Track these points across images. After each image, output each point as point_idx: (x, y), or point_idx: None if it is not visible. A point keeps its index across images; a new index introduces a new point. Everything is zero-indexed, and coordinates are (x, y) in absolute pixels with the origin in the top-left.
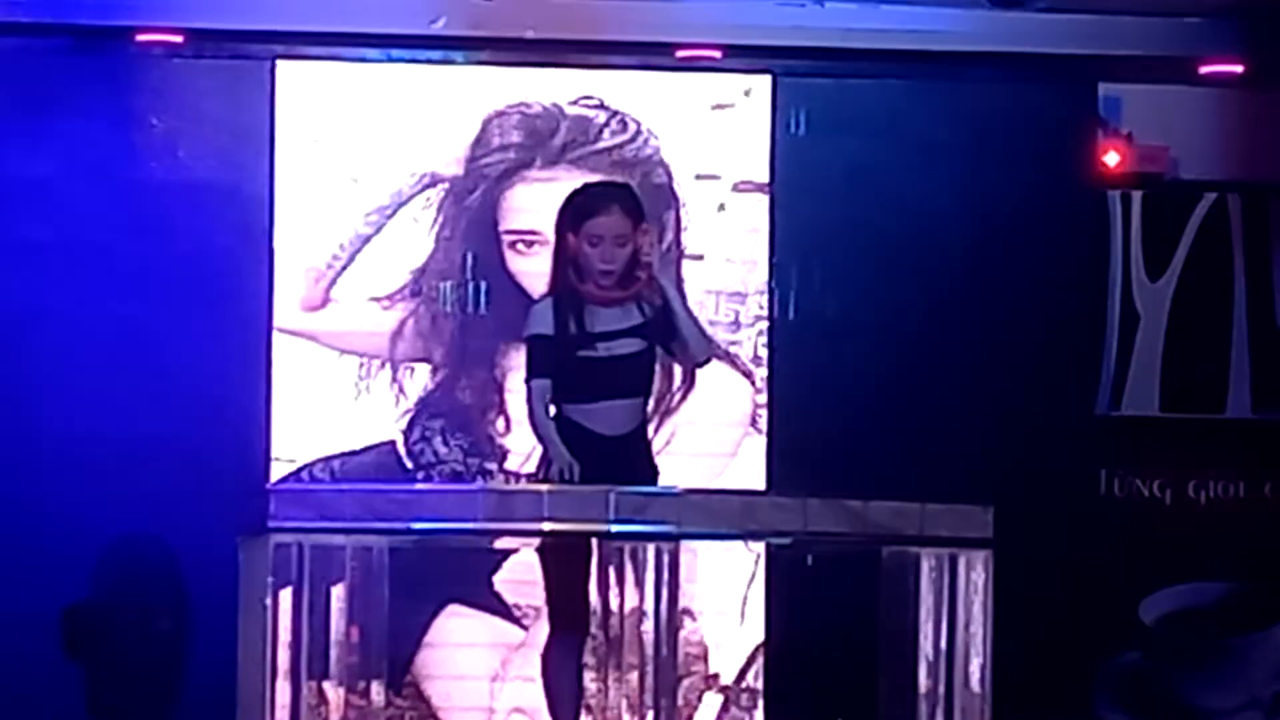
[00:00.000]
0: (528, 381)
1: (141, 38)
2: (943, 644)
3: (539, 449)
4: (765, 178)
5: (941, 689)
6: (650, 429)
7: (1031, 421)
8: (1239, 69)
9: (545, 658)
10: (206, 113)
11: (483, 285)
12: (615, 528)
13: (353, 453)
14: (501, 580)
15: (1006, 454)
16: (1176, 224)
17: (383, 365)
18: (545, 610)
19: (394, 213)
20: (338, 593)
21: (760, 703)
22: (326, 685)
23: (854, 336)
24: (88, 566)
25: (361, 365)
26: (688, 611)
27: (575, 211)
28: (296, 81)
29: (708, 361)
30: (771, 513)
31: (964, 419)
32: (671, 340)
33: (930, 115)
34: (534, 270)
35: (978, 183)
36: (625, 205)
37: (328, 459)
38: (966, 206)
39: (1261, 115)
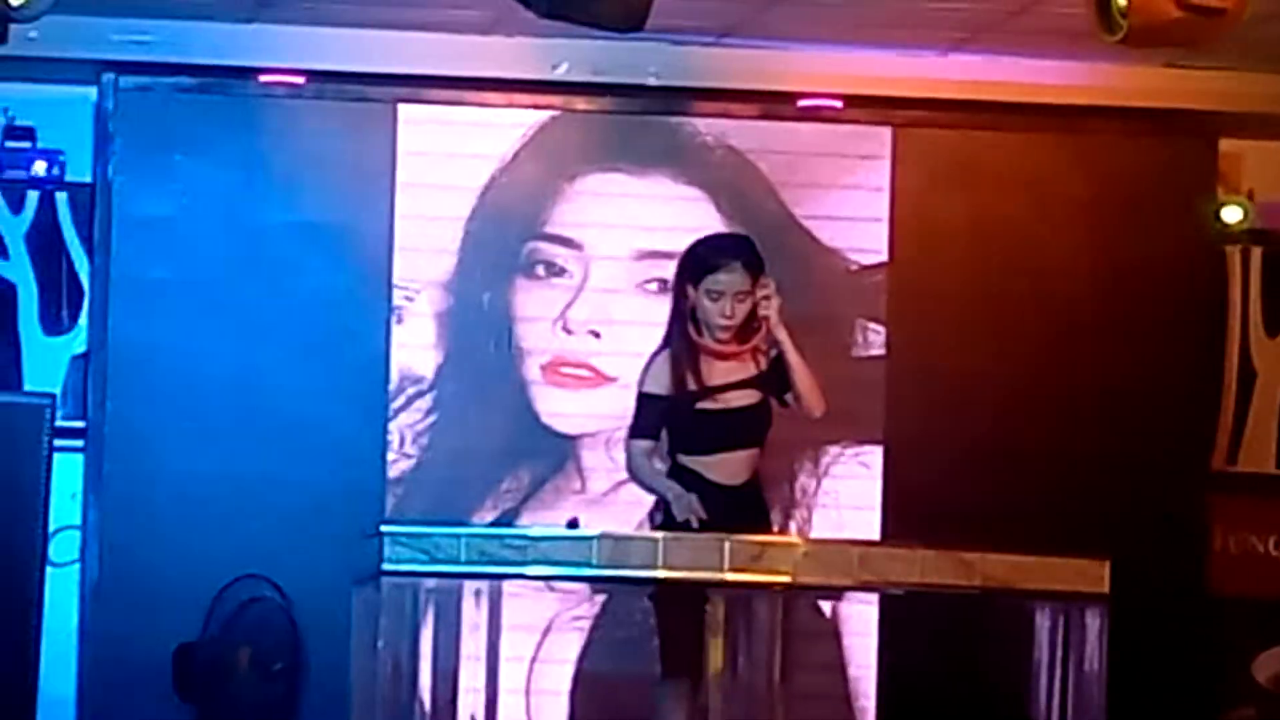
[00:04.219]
0: (630, 439)
1: (264, 79)
2: (1056, 699)
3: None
4: (884, 229)
5: None
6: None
7: (1147, 476)
8: None
9: (657, 706)
10: (328, 154)
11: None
12: (730, 576)
13: None
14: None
15: (1122, 508)
16: None
17: None
18: (659, 658)
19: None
20: (450, 635)
21: None
22: None
23: (971, 388)
24: (202, 606)
25: None
26: (801, 662)
27: (696, 264)
28: (418, 124)
29: (824, 414)
30: (886, 563)
31: (1080, 472)
32: (787, 393)
33: (1050, 167)
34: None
35: (1097, 237)
36: (746, 260)
37: None
38: (1086, 260)
39: None
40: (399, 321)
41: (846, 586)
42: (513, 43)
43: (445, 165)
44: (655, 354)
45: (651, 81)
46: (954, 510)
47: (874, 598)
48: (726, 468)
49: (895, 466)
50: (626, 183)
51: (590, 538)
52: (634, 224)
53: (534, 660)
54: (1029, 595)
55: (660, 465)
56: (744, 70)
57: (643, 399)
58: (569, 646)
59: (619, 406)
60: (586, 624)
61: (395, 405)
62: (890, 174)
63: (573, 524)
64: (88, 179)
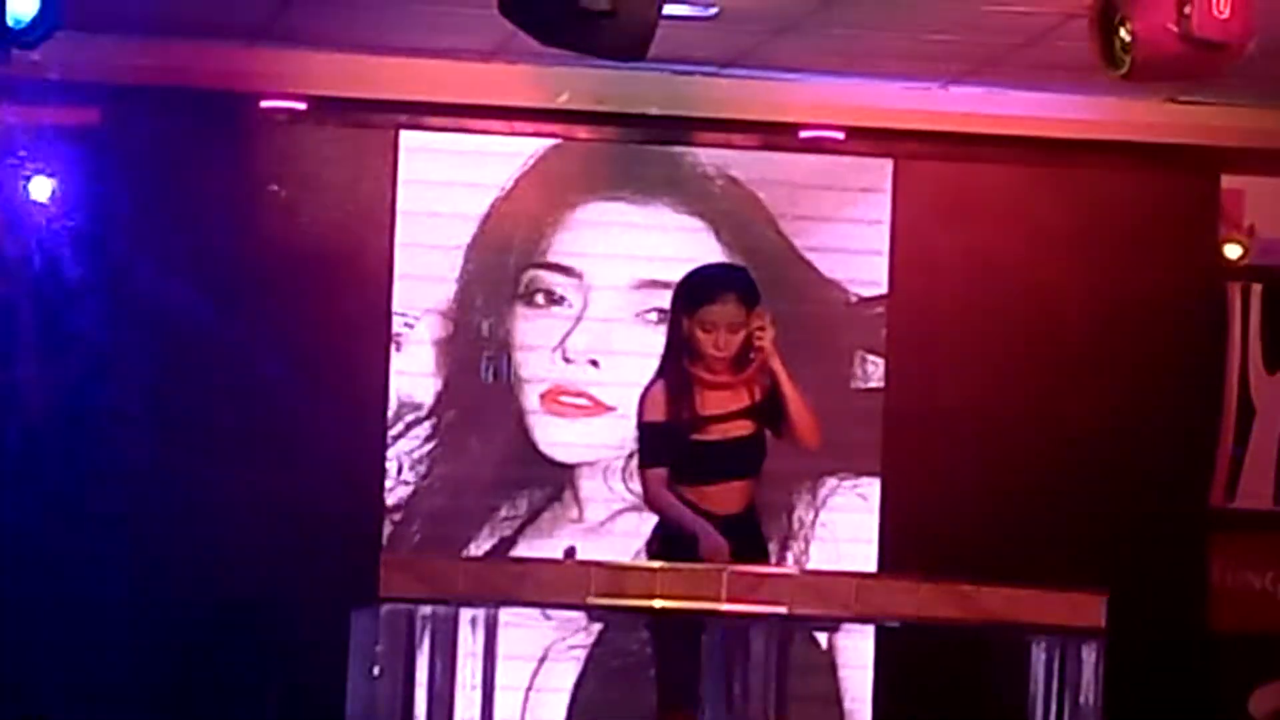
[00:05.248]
0: (643, 469)
1: (266, 104)
2: None
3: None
4: (884, 261)
5: None
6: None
7: (1145, 511)
8: None
9: None
10: (328, 180)
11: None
12: (727, 607)
13: None
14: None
15: (1120, 542)
16: None
17: None
18: (655, 688)
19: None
20: (446, 663)
21: None
22: None
23: (970, 421)
24: (203, 628)
25: None
26: (797, 694)
27: (690, 296)
28: (419, 152)
29: (820, 446)
30: (883, 596)
31: (1078, 506)
32: (781, 424)
33: (1051, 202)
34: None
35: (1098, 271)
36: (740, 292)
37: None
38: (1086, 295)
39: None
40: (398, 349)
41: (843, 618)
42: (515, 70)
43: (446, 193)
44: (650, 384)
45: (653, 111)
46: (951, 543)
47: (870, 630)
48: (722, 498)
49: (893, 499)
50: (627, 212)
51: (588, 565)
52: (634, 253)
53: (530, 689)
54: (1025, 628)
55: None
56: (745, 101)
57: (645, 428)
58: (565, 675)
59: (617, 436)
60: (582, 653)
61: (393, 432)
62: (891, 206)
63: (570, 553)
64: (90, 200)
